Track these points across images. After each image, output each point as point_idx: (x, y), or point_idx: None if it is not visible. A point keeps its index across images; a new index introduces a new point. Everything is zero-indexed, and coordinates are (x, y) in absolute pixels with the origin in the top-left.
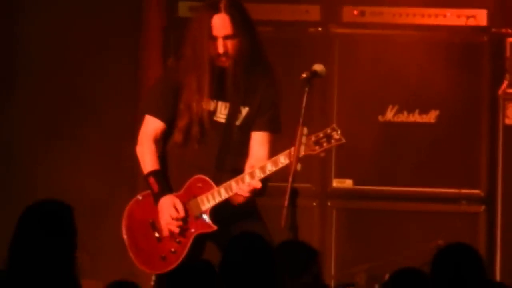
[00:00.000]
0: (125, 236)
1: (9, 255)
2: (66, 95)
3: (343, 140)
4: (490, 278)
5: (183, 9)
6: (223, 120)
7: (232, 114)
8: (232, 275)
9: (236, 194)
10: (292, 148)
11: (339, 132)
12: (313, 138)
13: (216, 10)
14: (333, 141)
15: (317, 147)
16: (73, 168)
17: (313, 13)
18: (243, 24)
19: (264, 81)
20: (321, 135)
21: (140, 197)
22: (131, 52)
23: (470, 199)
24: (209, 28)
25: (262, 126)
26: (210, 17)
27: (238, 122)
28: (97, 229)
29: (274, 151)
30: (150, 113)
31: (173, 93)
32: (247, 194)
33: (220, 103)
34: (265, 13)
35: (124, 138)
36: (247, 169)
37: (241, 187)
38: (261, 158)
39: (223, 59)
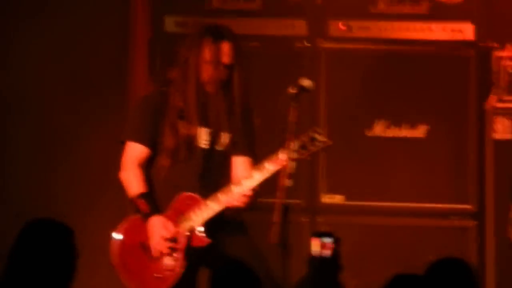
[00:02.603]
0: (115, 261)
1: (6, 271)
2: (53, 112)
3: (329, 142)
4: None
5: (169, 24)
6: (205, 146)
7: (214, 140)
8: None
9: (233, 205)
10: (277, 153)
11: (322, 133)
12: (297, 143)
13: (223, 37)
14: (317, 143)
15: (304, 152)
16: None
17: (300, 27)
18: (241, 53)
19: (243, 106)
20: (304, 138)
21: (129, 219)
22: (117, 67)
23: (460, 214)
24: (217, 54)
25: (243, 151)
26: (218, 43)
27: (220, 148)
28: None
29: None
30: (132, 139)
31: (154, 117)
32: (245, 200)
33: (202, 129)
34: (251, 28)
35: (111, 153)
36: (232, 182)
37: (234, 197)
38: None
39: (213, 85)
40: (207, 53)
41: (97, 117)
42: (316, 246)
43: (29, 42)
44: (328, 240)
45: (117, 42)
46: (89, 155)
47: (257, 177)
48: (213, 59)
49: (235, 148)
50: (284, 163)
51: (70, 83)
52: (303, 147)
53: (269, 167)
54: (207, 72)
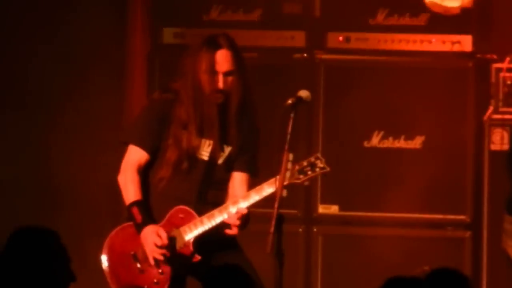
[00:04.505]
0: (106, 269)
1: None
2: (50, 120)
3: (328, 169)
4: None
5: (168, 35)
6: (205, 158)
7: (215, 153)
8: None
9: (227, 225)
10: (277, 177)
11: (323, 160)
12: (297, 167)
13: (218, 46)
14: (317, 169)
15: (301, 176)
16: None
17: (298, 39)
18: (240, 61)
19: (249, 121)
20: (305, 163)
21: (121, 228)
22: (115, 78)
23: (455, 224)
24: (212, 63)
25: (242, 167)
26: (213, 52)
27: (220, 161)
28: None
29: (259, 178)
30: (134, 142)
31: (158, 125)
32: (237, 222)
33: (203, 140)
34: (250, 39)
35: (108, 161)
36: (230, 200)
37: (229, 215)
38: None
39: (219, 95)
40: (203, 63)
41: (96, 125)
42: None
43: (31, 50)
44: None
45: (116, 53)
46: (87, 161)
47: (255, 198)
48: (209, 69)
49: (236, 163)
50: (282, 185)
51: (68, 93)
52: (301, 171)
53: (268, 190)
54: (206, 83)
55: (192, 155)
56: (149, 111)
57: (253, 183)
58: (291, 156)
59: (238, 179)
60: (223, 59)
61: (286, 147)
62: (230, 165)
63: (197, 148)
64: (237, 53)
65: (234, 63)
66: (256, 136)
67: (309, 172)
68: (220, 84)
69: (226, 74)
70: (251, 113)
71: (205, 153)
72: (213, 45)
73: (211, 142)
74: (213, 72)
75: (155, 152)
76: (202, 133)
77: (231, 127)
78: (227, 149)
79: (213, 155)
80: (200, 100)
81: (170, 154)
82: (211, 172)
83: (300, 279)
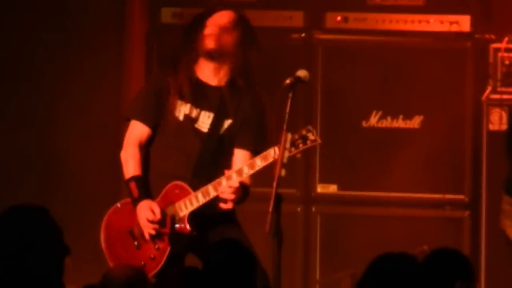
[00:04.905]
0: (103, 246)
1: None
2: (51, 101)
3: (319, 141)
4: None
5: (166, 16)
6: (205, 130)
7: (215, 125)
8: (214, 281)
9: (221, 199)
10: (269, 151)
11: (314, 132)
12: (289, 140)
13: (220, 9)
14: (308, 142)
15: (292, 149)
16: None
17: (297, 19)
18: (245, 27)
19: (252, 97)
20: (296, 136)
21: (119, 205)
22: (114, 59)
23: (454, 204)
24: (216, 20)
25: (244, 144)
26: (216, 12)
27: (220, 133)
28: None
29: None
30: (136, 118)
31: (157, 99)
32: (232, 196)
33: (203, 112)
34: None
35: (107, 141)
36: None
37: (222, 189)
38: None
39: (220, 59)
40: (207, 25)
41: (93, 111)
42: None
43: (28, 36)
44: None
45: (114, 33)
46: (87, 141)
47: (246, 172)
48: (213, 26)
49: (237, 139)
50: (280, 165)
51: (68, 74)
52: (292, 144)
53: (260, 164)
54: (210, 42)
55: (190, 126)
56: (148, 87)
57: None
58: (289, 136)
59: (240, 156)
60: (225, 16)
61: (285, 127)
62: (230, 139)
63: (195, 119)
64: (240, 14)
65: (235, 23)
66: (260, 114)
67: (301, 145)
68: (227, 41)
69: (228, 27)
70: (253, 89)
71: (204, 125)
72: (216, 9)
73: (211, 114)
74: (216, 28)
75: (155, 128)
76: (200, 105)
77: (231, 100)
78: (227, 122)
79: (213, 127)
80: (195, 64)
81: (168, 126)
82: (210, 145)
83: (298, 258)
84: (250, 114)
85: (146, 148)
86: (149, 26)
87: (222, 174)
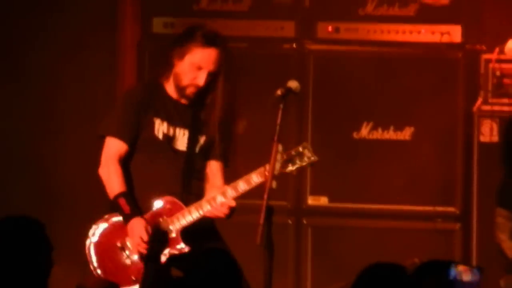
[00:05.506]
0: (92, 261)
1: None
2: (43, 110)
3: (316, 159)
4: None
5: (157, 25)
6: (183, 149)
7: (192, 143)
8: None
9: (214, 215)
10: (266, 166)
11: (311, 149)
12: (285, 157)
13: (212, 43)
14: (305, 159)
15: (289, 165)
16: None
17: (288, 29)
18: (229, 65)
19: (226, 114)
20: (293, 153)
21: (105, 221)
22: (106, 68)
23: (445, 216)
24: (203, 61)
25: (216, 156)
26: (206, 48)
27: (197, 150)
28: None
29: (248, 168)
30: (112, 134)
31: (134, 114)
32: (227, 212)
33: (178, 130)
34: (239, 29)
35: (100, 146)
36: (218, 190)
37: (217, 207)
38: (218, 186)
39: (194, 90)
40: (193, 56)
41: (85, 121)
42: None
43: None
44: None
45: (107, 43)
46: (78, 150)
47: (242, 188)
48: (197, 64)
49: (210, 152)
50: (272, 177)
51: (59, 82)
52: (289, 161)
53: (256, 180)
54: (190, 75)
55: (169, 146)
56: (125, 103)
57: (251, 157)
58: (280, 147)
59: (213, 167)
60: (213, 57)
61: (276, 138)
62: (206, 155)
63: (172, 138)
64: (228, 52)
65: (223, 63)
66: (230, 126)
67: (298, 162)
68: (201, 81)
69: (212, 72)
70: (228, 106)
71: (181, 144)
72: (208, 42)
73: (186, 131)
74: (200, 68)
75: (133, 143)
76: (174, 122)
77: (208, 120)
78: (202, 139)
79: (191, 146)
80: (179, 90)
81: (148, 144)
82: (191, 162)
83: (290, 270)
84: (223, 127)
85: (125, 164)
86: (141, 36)
87: (204, 188)
